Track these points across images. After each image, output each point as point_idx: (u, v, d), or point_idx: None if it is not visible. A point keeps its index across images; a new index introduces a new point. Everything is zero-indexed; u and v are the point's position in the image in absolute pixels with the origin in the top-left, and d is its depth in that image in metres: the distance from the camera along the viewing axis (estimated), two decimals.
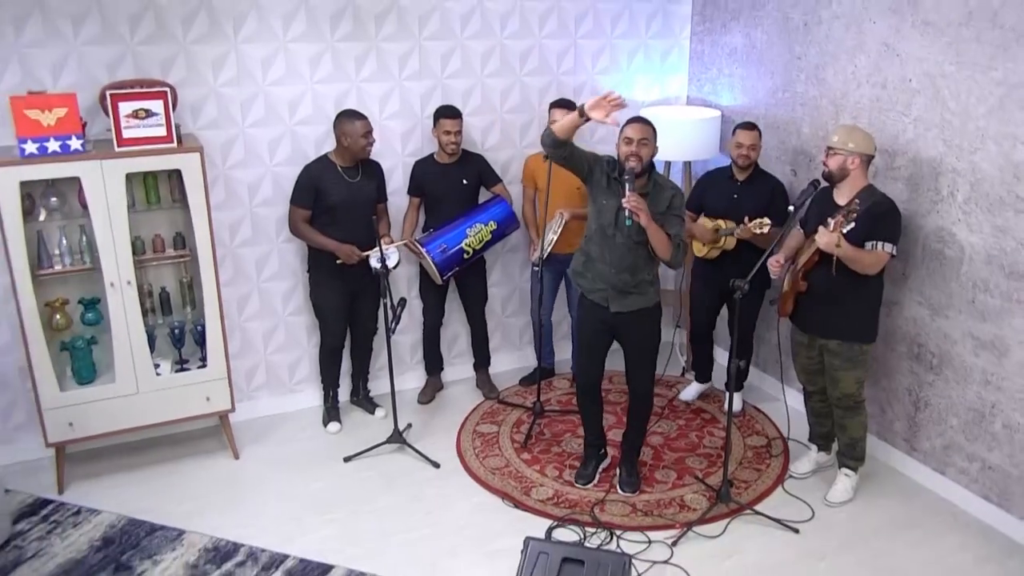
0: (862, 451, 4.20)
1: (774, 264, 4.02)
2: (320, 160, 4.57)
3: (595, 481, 4.36)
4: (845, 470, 4.23)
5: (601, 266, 3.96)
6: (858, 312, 3.97)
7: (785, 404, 4.69)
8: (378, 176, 4.73)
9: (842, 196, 3.91)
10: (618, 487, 4.29)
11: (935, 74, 3.96)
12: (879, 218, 3.79)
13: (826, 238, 3.70)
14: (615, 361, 4.35)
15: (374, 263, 4.51)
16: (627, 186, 3.72)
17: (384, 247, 4.53)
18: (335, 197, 4.52)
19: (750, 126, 4.56)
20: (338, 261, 4.56)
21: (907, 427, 4.39)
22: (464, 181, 4.88)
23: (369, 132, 4.47)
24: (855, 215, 3.64)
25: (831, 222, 3.70)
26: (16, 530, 4.00)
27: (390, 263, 4.53)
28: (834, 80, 4.49)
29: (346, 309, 4.81)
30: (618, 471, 4.36)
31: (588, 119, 3.69)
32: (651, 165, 3.89)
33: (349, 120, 4.44)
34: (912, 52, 4.04)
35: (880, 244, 3.80)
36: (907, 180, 4.17)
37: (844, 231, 3.68)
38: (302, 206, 4.54)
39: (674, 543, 3.89)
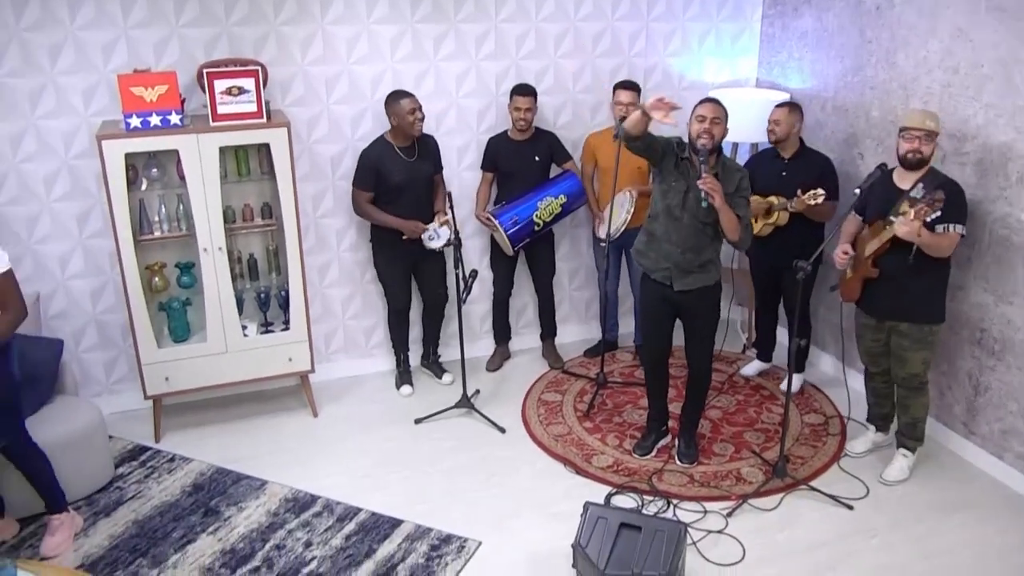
0: (921, 432, 4.24)
1: (841, 255, 4.06)
2: (377, 142, 4.70)
3: (652, 454, 4.49)
4: (903, 450, 4.28)
5: (667, 246, 4.03)
6: (929, 294, 3.99)
7: (846, 384, 4.74)
8: (434, 150, 4.85)
9: (905, 180, 3.93)
10: (676, 458, 4.42)
11: (1008, 60, 3.94)
12: (947, 201, 3.76)
13: (907, 227, 3.70)
14: (675, 336, 4.45)
15: (426, 241, 4.70)
16: (702, 168, 3.78)
17: (436, 226, 4.70)
18: (396, 178, 4.66)
19: (780, 104, 4.65)
20: (404, 237, 4.75)
21: (966, 411, 4.41)
22: (536, 158, 5.02)
23: (415, 109, 4.56)
24: (940, 203, 3.62)
25: (911, 211, 3.70)
26: (118, 473, 4.34)
27: (436, 244, 4.71)
28: (905, 64, 4.49)
29: (407, 276, 4.99)
30: (677, 442, 4.48)
31: (651, 118, 3.78)
32: (720, 147, 3.96)
33: (395, 99, 4.56)
34: (985, 38, 4.03)
35: (951, 226, 3.80)
36: (975, 165, 4.16)
37: (929, 219, 3.68)
38: (365, 189, 4.71)
39: (729, 514, 3.99)
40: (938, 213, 3.68)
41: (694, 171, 3.83)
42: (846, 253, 4.07)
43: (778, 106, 4.67)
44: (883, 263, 3.99)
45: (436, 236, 4.73)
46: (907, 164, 3.92)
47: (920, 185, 3.80)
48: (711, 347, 4.27)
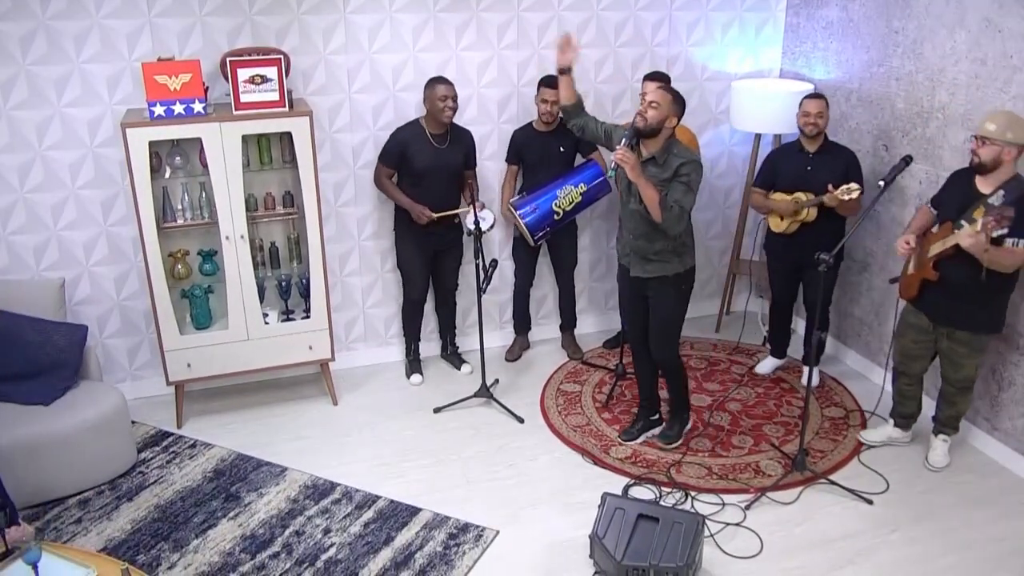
0: (959, 421, 4.28)
1: (903, 245, 3.95)
2: (411, 125, 4.73)
3: (638, 441, 4.50)
4: (942, 436, 4.28)
5: (624, 232, 4.12)
6: (992, 305, 3.90)
7: (883, 381, 4.70)
8: (467, 144, 4.85)
9: (987, 184, 3.76)
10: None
11: None
12: (1021, 214, 3.59)
13: (972, 240, 3.54)
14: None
15: (469, 225, 4.70)
16: (623, 140, 3.79)
17: (479, 211, 4.71)
18: (420, 163, 4.68)
19: (816, 95, 4.55)
20: (429, 220, 4.74)
21: (989, 406, 4.37)
22: (561, 149, 5.01)
23: (448, 97, 4.56)
24: (1008, 220, 3.45)
25: (979, 221, 3.53)
26: (140, 458, 4.39)
27: (484, 226, 4.73)
28: (932, 55, 4.43)
29: (427, 266, 5.01)
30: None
31: (567, 70, 3.96)
32: (671, 134, 3.88)
33: (432, 84, 4.59)
34: (1014, 28, 3.96)
35: (1021, 242, 3.63)
36: None
37: (994, 235, 3.53)
38: (387, 165, 4.75)
39: (747, 507, 3.98)
40: (1005, 230, 3.54)
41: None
42: (908, 243, 3.95)
43: (812, 98, 4.55)
44: (944, 268, 3.87)
45: (482, 220, 4.76)
46: (971, 167, 3.81)
47: (1001, 192, 3.66)
48: (670, 338, 4.23)
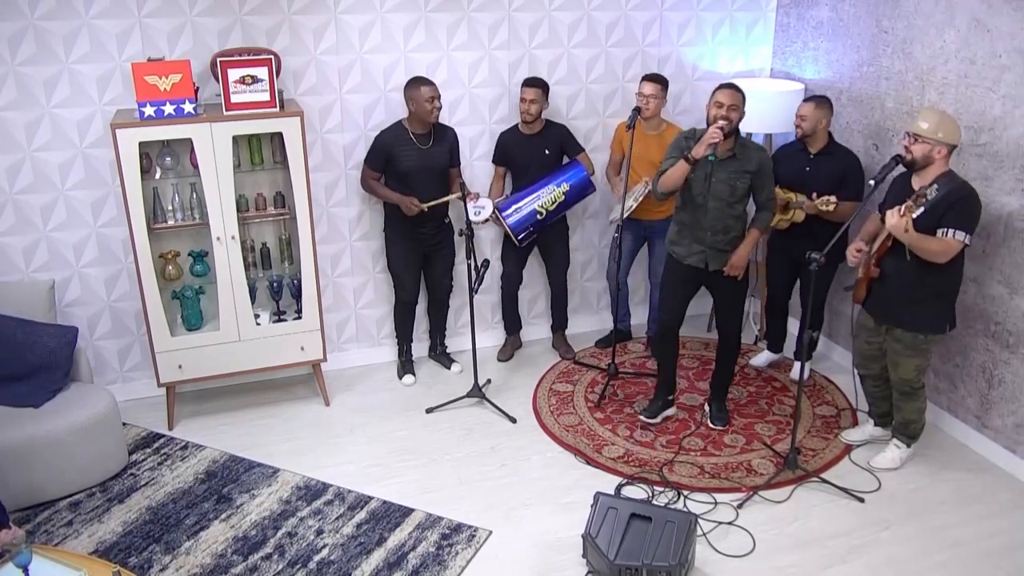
0: (916, 431, 4.23)
1: (853, 252, 4.00)
2: (394, 127, 4.72)
3: (657, 420, 4.61)
4: (896, 441, 4.29)
5: (698, 232, 4.25)
6: (928, 302, 3.90)
7: (854, 377, 4.71)
8: (451, 141, 4.84)
9: (921, 181, 3.84)
10: (710, 422, 4.64)
11: None
12: (954, 205, 3.70)
13: (894, 220, 3.65)
14: (683, 327, 4.46)
15: (473, 216, 4.71)
16: (713, 147, 4.00)
17: (471, 203, 4.70)
18: (407, 164, 4.68)
19: (809, 98, 4.61)
20: (424, 211, 4.72)
21: (979, 404, 4.39)
22: (546, 151, 5.01)
23: (434, 97, 4.56)
24: (925, 200, 3.57)
25: (901, 207, 3.66)
26: (131, 460, 4.37)
27: (484, 215, 4.79)
28: (921, 55, 4.45)
29: (418, 267, 5.00)
30: (708, 408, 4.68)
31: (695, 160, 4.06)
32: (737, 130, 4.14)
33: (415, 86, 4.57)
34: (1003, 27, 3.99)
35: (951, 232, 3.70)
36: (992, 157, 4.12)
37: (913, 216, 3.62)
38: (373, 168, 4.75)
39: (739, 506, 3.99)
40: (921, 209, 3.61)
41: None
42: (859, 250, 4.01)
43: (805, 100, 4.63)
44: (884, 264, 3.96)
45: (480, 210, 4.81)
46: (904, 163, 3.87)
47: (934, 187, 3.73)
48: (742, 313, 4.47)
